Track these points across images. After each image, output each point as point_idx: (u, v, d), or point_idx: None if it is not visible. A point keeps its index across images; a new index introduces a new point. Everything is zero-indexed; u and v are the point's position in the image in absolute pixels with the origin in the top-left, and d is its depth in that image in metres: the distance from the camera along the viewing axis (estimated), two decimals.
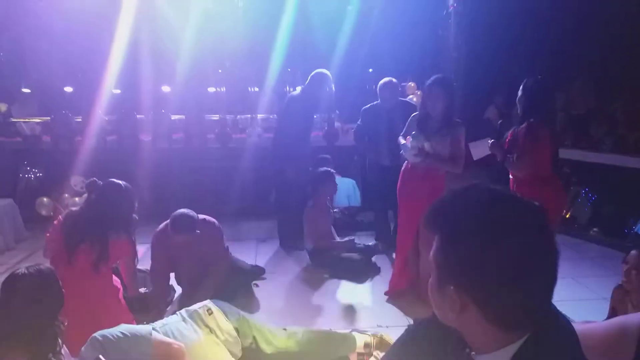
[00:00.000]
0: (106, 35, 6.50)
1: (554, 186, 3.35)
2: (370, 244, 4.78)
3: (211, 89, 8.01)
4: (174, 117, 6.78)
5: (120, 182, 3.07)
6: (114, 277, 3.17)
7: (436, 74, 3.69)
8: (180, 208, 3.46)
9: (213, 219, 3.64)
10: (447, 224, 0.91)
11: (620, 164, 5.43)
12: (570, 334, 0.93)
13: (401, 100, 4.89)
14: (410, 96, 6.79)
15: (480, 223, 0.86)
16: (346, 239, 4.58)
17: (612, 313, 2.60)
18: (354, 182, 6.23)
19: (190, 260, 3.53)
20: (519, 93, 3.42)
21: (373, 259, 4.56)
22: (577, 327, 1.34)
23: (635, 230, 5.28)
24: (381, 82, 4.79)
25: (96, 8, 6.39)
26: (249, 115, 6.92)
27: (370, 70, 8.25)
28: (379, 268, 4.44)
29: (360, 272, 4.32)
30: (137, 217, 3.21)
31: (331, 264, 4.35)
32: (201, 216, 3.49)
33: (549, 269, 0.88)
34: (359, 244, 4.63)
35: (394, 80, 4.78)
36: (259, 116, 6.89)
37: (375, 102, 4.90)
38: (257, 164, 6.03)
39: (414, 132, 3.57)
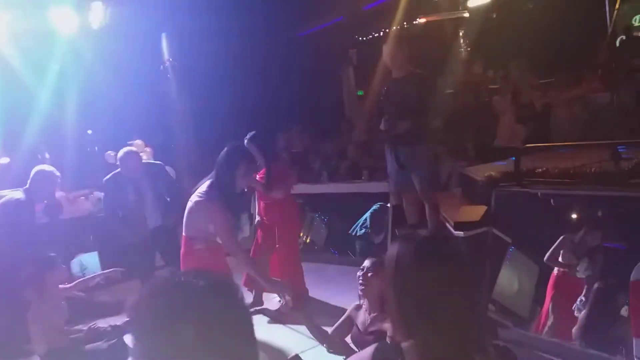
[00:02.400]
0: None
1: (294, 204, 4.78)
2: (118, 324, 4.29)
3: None
4: None
5: None
6: None
7: (165, 128, 3.55)
8: None
9: None
10: None
11: (336, 190, 6.31)
12: None
13: (144, 164, 4.65)
14: (141, 153, 6.51)
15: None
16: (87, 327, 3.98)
17: (344, 320, 2.84)
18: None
19: None
20: (249, 145, 4.25)
21: (126, 339, 4.09)
22: None
23: (354, 233, 6.17)
24: (121, 153, 4.48)
25: None
26: None
27: (90, 131, 7.65)
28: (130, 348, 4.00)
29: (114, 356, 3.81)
30: None
31: None
32: None
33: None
34: (103, 327, 4.09)
35: (134, 148, 4.53)
36: None
37: (116, 171, 4.56)
38: None
39: None
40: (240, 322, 0.95)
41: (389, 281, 1.33)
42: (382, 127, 4.00)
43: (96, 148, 7.50)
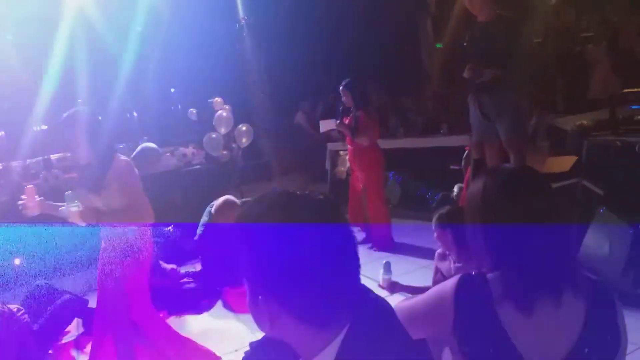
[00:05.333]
0: None
1: (378, 152, 4.87)
2: None
3: None
4: None
5: None
6: None
7: (242, 87, 3.64)
8: None
9: None
10: (245, 235, 0.92)
11: (412, 145, 6.17)
12: (385, 313, 0.97)
13: None
14: (220, 111, 6.72)
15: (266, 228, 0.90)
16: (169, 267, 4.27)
17: (435, 273, 2.87)
18: None
19: None
20: (344, 91, 4.71)
21: None
22: (403, 304, 1.40)
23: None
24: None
25: None
26: (41, 158, 6.05)
27: (172, 90, 7.97)
28: (219, 291, 4.26)
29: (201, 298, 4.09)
30: None
31: (167, 302, 4.01)
32: None
33: (342, 258, 0.91)
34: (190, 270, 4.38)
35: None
36: (53, 157, 6.07)
37: None
38: None
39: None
40: (340, 236, 0.94)
41: (474, 213, 1.31)
42: (465, 75, 3.82)
43: (179, 106, 7.83)
